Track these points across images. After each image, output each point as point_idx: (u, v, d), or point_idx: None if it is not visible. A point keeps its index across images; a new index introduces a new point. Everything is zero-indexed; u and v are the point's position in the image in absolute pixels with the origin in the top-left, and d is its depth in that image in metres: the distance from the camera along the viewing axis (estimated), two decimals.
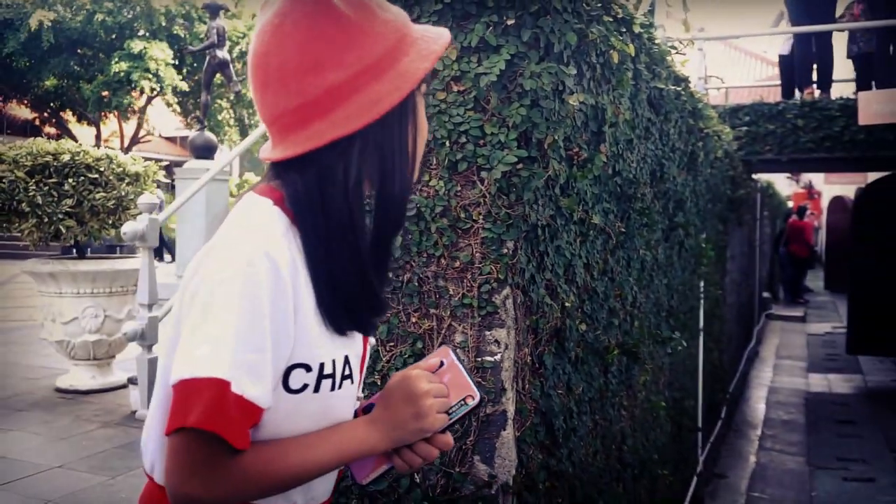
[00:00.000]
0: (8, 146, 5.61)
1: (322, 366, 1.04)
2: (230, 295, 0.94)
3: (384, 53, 1.01)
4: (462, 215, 1.80)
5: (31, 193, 5.37)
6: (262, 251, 0.96)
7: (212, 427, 0.90)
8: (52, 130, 25.66)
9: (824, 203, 20.07)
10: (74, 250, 6.05)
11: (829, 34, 7.52)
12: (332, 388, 1.05)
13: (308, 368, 1.02)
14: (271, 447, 1.01)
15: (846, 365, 9.51)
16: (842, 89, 8.16)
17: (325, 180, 1.01)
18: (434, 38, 1.05)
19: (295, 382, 1.02)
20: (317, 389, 1.04)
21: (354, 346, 1.11)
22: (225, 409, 0.91)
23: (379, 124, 1.00)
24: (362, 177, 1.02)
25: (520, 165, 1.77)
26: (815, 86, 7.66)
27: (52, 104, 25.70)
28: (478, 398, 1.10)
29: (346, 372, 1.08)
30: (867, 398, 8.05)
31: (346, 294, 1.04)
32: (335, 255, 1.02)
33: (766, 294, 13.98)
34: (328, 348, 1.05)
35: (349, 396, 1.11)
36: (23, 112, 26.96)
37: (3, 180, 5.32)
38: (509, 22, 1.74)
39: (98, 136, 25.92)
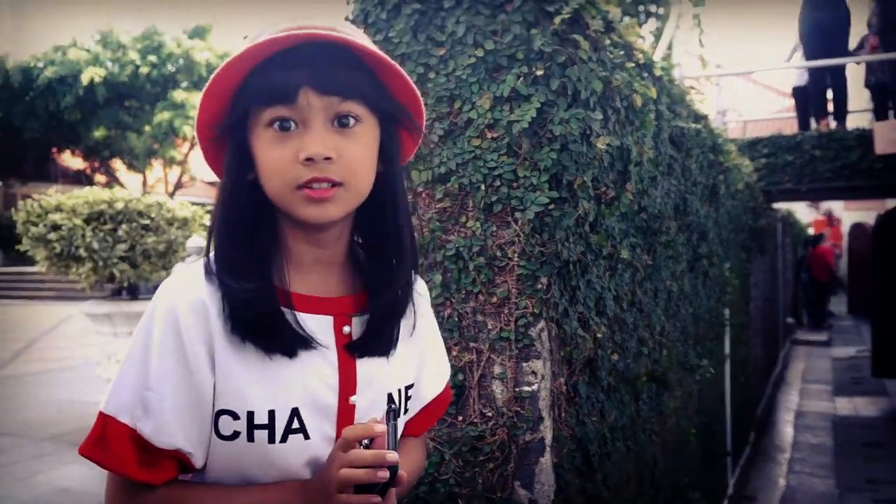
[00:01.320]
0: (66, 196, 5.77)
1: (251, 415, 0.98)
2: (131, 344, 0.98)
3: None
4: (498, 254, 1.83)
5: (87, 240, 5.50)
6: (166, 302, 0.97)
7: (89, 454, 0.95)
8: (102, 178, 26.18)
9: (845, 229, 19.80)
10: (125, 292, 6.18)
11: (843, 66, 7.50)
12: (272, 441, 0.99)
13: (235, 416, 0.98)
14: (190, 490, 1.00)
15: (872, 388, 9.32)
16: (856, 120, 8.11)
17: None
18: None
19: (224, 429, 0.98)
20: (250, 439, 0.99)
21: (314, 401, 1.03)
22: (108, 442, 0.94)
23: (225, 167, 1.02)
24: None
25: (551, 206, 1.80)
26: (830, 117, 7.63)
27: (102, 154, 26.22)
28: (387, 474, 0.97)
29: (295, 426, 1.00)
30: (894, 420, 7.88)
31: (230, 298, 0.98)
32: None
33: (790, 319, 13.77)
34: (262, 398, 0.98)
35: (304, 451, 1.02)
36: (75, 162, 27.54)
37: (62, 228, 5.47)
38: (538, 72, 1.78)
39: (144, 183, 26.39)
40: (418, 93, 1.05)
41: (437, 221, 1.89)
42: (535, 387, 1.82)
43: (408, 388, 1.17)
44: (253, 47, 0.92)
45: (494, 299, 1.84)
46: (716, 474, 4.49)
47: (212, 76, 0.96)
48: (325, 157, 0.93)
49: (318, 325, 1.02)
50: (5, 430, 6.04)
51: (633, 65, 2.22)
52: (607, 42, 2.00)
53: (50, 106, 24.19)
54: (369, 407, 1.08)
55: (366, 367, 1.07)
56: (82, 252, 5.53)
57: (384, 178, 1.05)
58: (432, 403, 1.26)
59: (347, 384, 1.05)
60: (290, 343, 0.99)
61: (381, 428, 0.96)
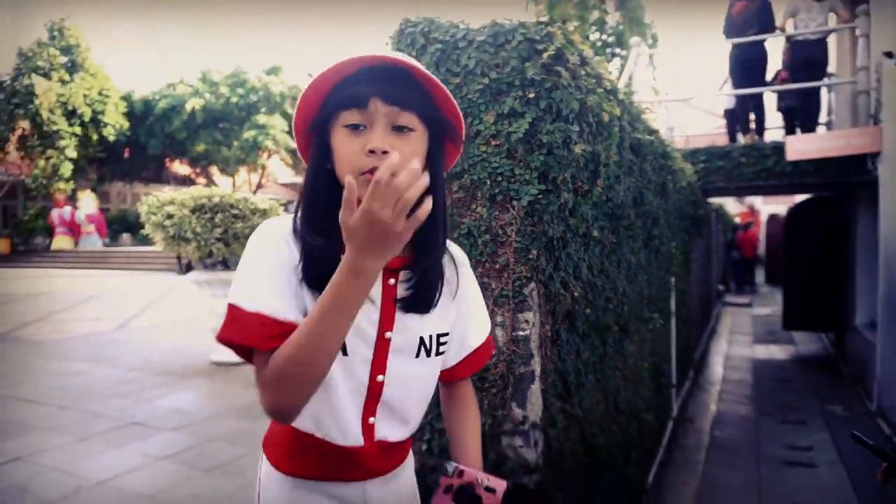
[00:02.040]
0: (177, 192, 5.81)
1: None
2: (244, 258, 0.98)
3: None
4: (500, 232, 1.83)
5: (193, 225, 5.54)
6: (265, 233, 0.99)
7: (227, 337, 0.93)
8: (203, 181, 26.37)
9: (763, 218, 19.57)
10: (221, 265, 6.24)
11: (761, 93, 7.39)
12: None
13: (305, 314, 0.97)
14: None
15: (782, 338, 9.26)
16: (772, 134, 7.99)
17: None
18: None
19: None
20: None
21: (357, 328, 1.01)
22: (235, 323, 0.92)
23: (310, 156, 1.02)
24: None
25: (540, 196, 1.79)
26: (753, 132, 7.52)
27: (202, 162, 26.42)
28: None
29: None
30: (799, 362, 7.83)
31: (311, 259, 0.97)
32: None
33: (720, 287, 13.67)
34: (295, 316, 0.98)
35: (344, 365, 1.01)
36: (183, 169, 27.77)
37: (174, 217, 5.51)
38: (530, 95, 1.78)
39: (234, 184, 26.53)
40: (460, 112, 1.03)
41: (454, 208, 1.90)
42: (527, 332, 1.83)
43: (440, 335, 1.11)
44: (341, 63, 0.94)
45: (497, 266, 1.84)
46: (664, 401, 4.49)
47: (307, 86, 0.97)
48: (384, 150, 0.92)
49: None
50: (134, 367, 6.14)
51: (602, 90, 2.19)
52: (582, 73, 1.98)
53: (164, 128, 24.40)
54: (402, 343, 1.05)
55: (404, 314, 1.05)
56: (189, 235, 5.57)
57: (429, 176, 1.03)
58: (479, 349, 1.21)
59: (386, 322, 1.04)
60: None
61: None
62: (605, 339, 2.54)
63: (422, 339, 1.08)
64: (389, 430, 1.09)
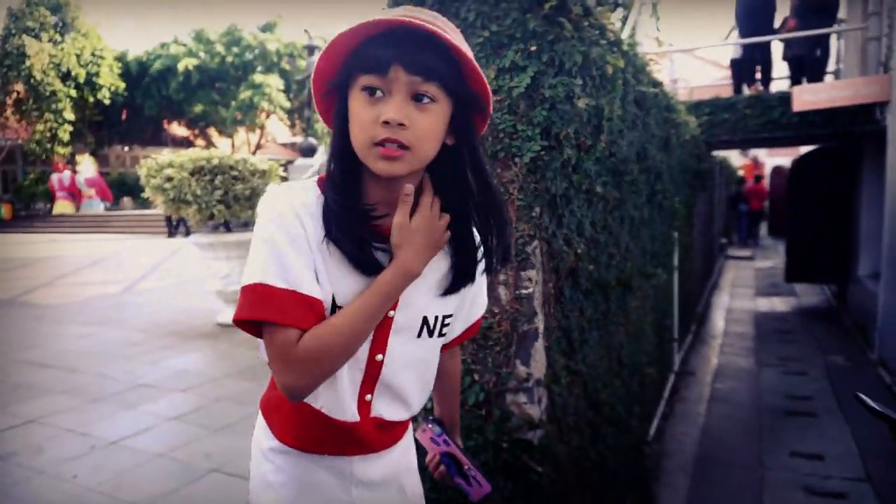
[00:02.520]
0: (175, 155, 5.75)
1: (334, 298, 0.94)
2: (257, 231, 0.93)
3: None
4: (502, 190, 1.81)
5: (193, 188, 5.51)
6: (278, 207, 0.93)
7: (248, 315, 0.89)
8: (201, 142, 26.16)
9: (766, 170, 19.40)
10: (222, 227, 6.23)
11: (769, 43, 7.21)
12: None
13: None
14: (329, 318, 0.93)
15: (784, 291, 9.28)
16: (778, 85, 7.84)
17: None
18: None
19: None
20: (332, 313, 0.94)
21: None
22: (268, 302, 0.88)
23: (335, 118, 0.97)
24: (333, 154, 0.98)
25: (543, 152, 1.76)
26: (759, 83, 7.37)
27: (200, 124, 26.15)
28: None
29: None
30: (801, 314, 7.87)
31: (339, 225, 0.94)
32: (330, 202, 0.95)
33: (723, 240, 13.65)
34: (325, 289, 0.94)
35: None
36: (181, 130, 27.49)
37: (174, 179, 5.47)
38: (532, 48, 1.72)
39: (233, 145, 26.32)
40: (487, 83, 0.96)
41: None
42: (530, 290, 1.82)
43: (445, 317, 1.07)
44: (364, 24, 0.88)
45: None
46: (665, 355, 4.53)
47: (330, 41, 0.91)
48: (399, 122, 0.88)
49: (382, 250, 0.97)
50: (141, 329, 6.20)
51: (605, 42, 2.13)
52: (586, 24, 1.92)
53: (161, 89, 24.08)
54: (404, 322, 1.02)
55: (409, 293, 0.99)
56: (189, 197, 5.54)
57: (454, 150, 0.98)
58: (475, 323, 1.21)
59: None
60: (359, 257, 0.95)
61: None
62: (608, 296, 2.53)
63: (425, 318, 1.04)
64: (386, 408, 1.07)
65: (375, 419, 1.06)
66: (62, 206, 21.41)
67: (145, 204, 16.72)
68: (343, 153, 0.95)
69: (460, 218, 1.01)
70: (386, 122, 0.88)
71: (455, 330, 1.17)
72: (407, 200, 0.93)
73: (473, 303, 1.17)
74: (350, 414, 1.02)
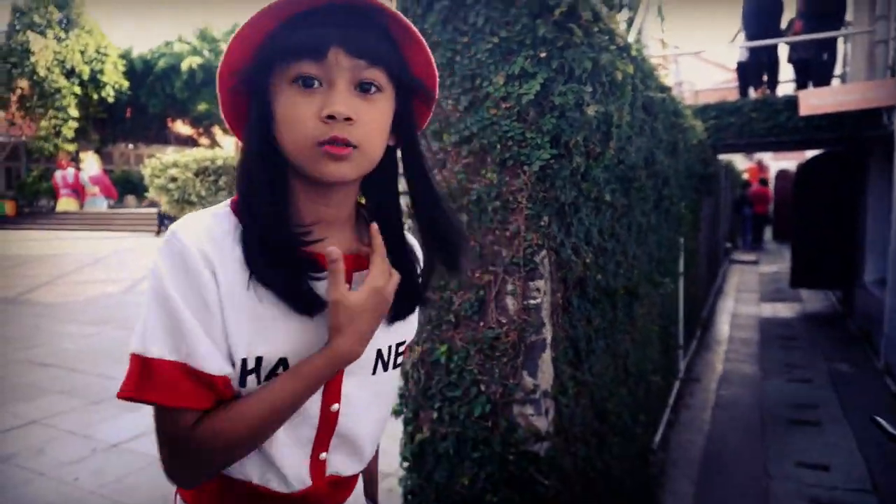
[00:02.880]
0: (180, 154, 5.75)
1: (244, 362, 0.76)
2: (149, 281, 0.75)
3: None
4: (510, 198, 1.78)
5: (197, 188, 5.51)
6: (173, 248, 0.74)
7: (138, 396, 0.72)
8: (206, 141, 26.16)
9: (771, 174, 19.35)
10: None
11: (776, 46, 7.17)
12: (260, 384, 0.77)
13: (232, 364, 0.75)
14: (237, 400, 0.76)
15: (789, 296, 9.24)
16: (785, 88, 7.80)
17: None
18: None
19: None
20: (242, 384, 0.76)
21: (305, 350, 0.78)
22: (159, 379, 0.71)
23: (251, 119, 0.80)
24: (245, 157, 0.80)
25: (552, 160, 1.73)
26: (765, 86, 7.34)
27: (204, 122, 26.17)
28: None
29: (280, 373, 0.77)
30: (806, 320, 7.83)
31: (266, 259, 0.76)
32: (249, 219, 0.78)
33: (728, 244, 13.61)
34: (252, 344, 0.76)
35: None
36: (185, 129, 27.51)
37: (178, 179, 5.47)
38: (542, 55, 1.70)
39: (236, 144, 26.32)
40: (434, 63, 0.82)
41: (462, 174, 1.84)
42: (538, 300, 1.80)
43: (398, 345, 0.91)
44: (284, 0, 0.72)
45: (508, 233, 1.80)
46: (671, 362, 4.50)
47: (243, 24, 0.74)
48: (347, 117, 0.73)
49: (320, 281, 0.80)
50: None
51: (614, 47, 2.10)
52: (595, 29, 1.89)
53: (165, 87, 24.08)
54: (358, 362, 0.82)
55: None
56: (193, 198, 5.56)
57: (392, 150, 0.85)
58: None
59: None
60: (298, 296, 0.77)
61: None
62: (615, 304, 2.51)
63: (379, 351, 0.87)
64: (344, 462, 0.88)
65: (330, 478, 0.87)
66: (66, 203, 21.42)
67: (150, 202, 16.74)
68: (264, 163, 0.78)
69: (397, 232, 0.87)
70: (331, 117, 0.73)
71: None
72: (337, 269, 0.74)
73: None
74: (300, 481, 0.83)
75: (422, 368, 1.95)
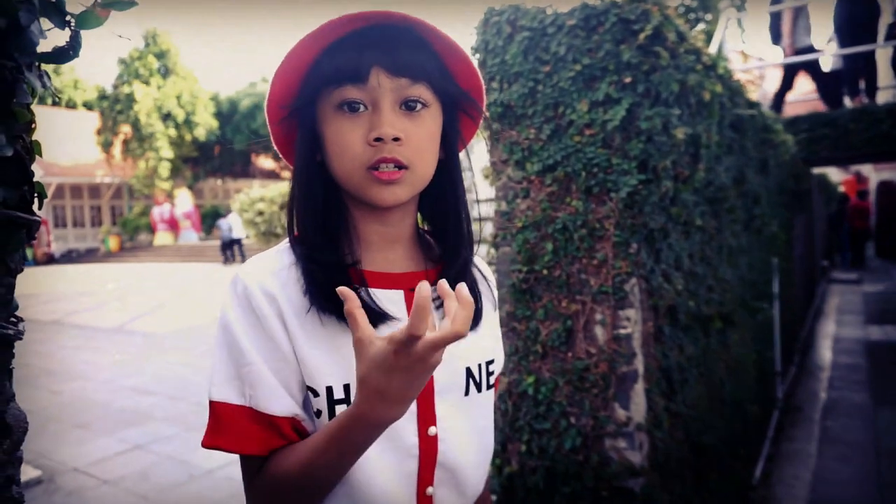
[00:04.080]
0: (266, 189, 6.03)
1: (329, 390, 0.73)
2: (217, 335, 0.75)
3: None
4: (597, 226, 1.75)
5: (282, 221, 5.75)
6: (237, 290, 0.74)
7: (212, 444, 0.73)
8: (288, 175, 27.36)
9: (871, 186, 18.05)
10: None
11: (873, 52, 6.75)
12: None
13: (315, 393, 0.74)
14: (291, 448, 0.73)
15: None
16: (884, 95, 7.30)
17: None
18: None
19: (308, 405, 0.75)
20: (332, 415, 0.73)
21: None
22: (227, 426, 0.71)
23: (297, 149, 0.79)
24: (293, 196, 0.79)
25: (640, 186, 1.70)
26: (863, 94, 6.90)
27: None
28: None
29: None
30: None
31: (311, 276, 0.75)
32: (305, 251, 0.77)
33: (825, 262, 12.76)
34: (338, 373, 0.74)
35: (388, 430, 0.73)
36: (268, 163, 28.92)
37: (265, 213, 5.73)
38: (627, 80, 1.67)
39: None
40: (481, 77, 0.81)
41: (547, 202, 1.83)
42: (629, 330, 1.74)
43: (489, 363, 0.86)
44: (327, 24, 0.71)
45: (595, 262, 1.77)
46: (769, 390, 4.23)
47: (285, 55, 0.73)
48: (394, 137, 0.72)
49: (390, 300, 0.78)
50: None
51: (701, 67, 2.05)
52: (681, 50, 1.85)
53: (249, 125, 25.45)
54: (446, 380, 0.79)
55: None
56: (279, 230, 5.79)
57: (445, 165, 0.82)
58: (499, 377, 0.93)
59: None
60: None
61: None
62: (707, 331, 2.40)
63: (469, 369, 0.82)
64: (450, 498, 0.82)
65: None
66: (162, 237, 23.02)
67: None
68: (317, 191, 0.78)
69: (452, 240, 0.85)
70: (378, 139, 0.72)
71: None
72: (351, 309, 0.62)
73: (498, 341, 0.93)
74: None
75: (509, 400, 1.93)
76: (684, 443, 2.12)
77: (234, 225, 16.09)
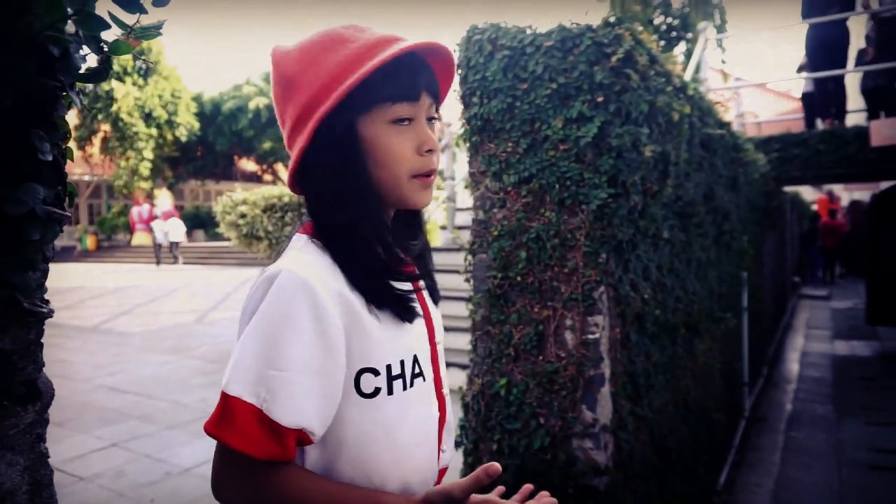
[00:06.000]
0: (249, 193, 6.06)
1: (389, 367, 0.80)
2: (255, 327, 0.75)
3: (321, 88, 0.80)
4: (569, 236, 1.85)
5: (264, 224, 5.77)
6: (293, 282, 0.75)
7: (215, 432, 0.74)
8: (269, 178, 27.23)
9: (843, 205, 18.51)
10: None
11: (843, 77, 7.00)
12: (405, 388, 0.82)
13: (375, 372, 0.79)
14: (310, 477, 0.78)
15: (866, 333, 8.76)
16: (854, 119, 7.56)
17: (317, 199, 0.84)
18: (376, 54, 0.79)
19: (366, 387, 0.79)
20: (390, 391, 0.80)
21: (422, 347, 0.87)
22: (234, 421, 0.73)
23: (319, 148, 0.81)
24: (325, 193, 0.82)
25: (610, 200, 1.79)
26: (833, 117, 7.14)
27: (269, 159, 27.27)
28: None
29: (416, 371, 0.84)
30: (885, 359, 7.40)
31: (366, 274, 0.81)
32: (346, 247, 0.81)
33: (796, 278, 13.06)
34: (392, 352, 0.81)
35: (424, 394, 0.86)
36: (250, 166, 28.76)
37: (247, 216, 5.76)
38: (599, 99, 1.78)
39: None
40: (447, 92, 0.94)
41: (522, 212, 1.92)
42: (597, 335, 1.84)
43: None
44: (396, 52, 0.78)
45: (566, 270, 1.86)
46: (735, 400, 4.37)
47: (358, 72, 0.77)
48: (434, 149, 0.85)
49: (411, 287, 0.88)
50: (214, 360, 6.45)
51: (671, 88, 2.17)
52: (652, 72, 1.97)
53: (232, 127, 25.33)
54: (440, 353, 0.93)
55: (434, 314, 0.92)
56: (261, 233, 5.81)
57: None
58: None
59: (431, 329, 0.90)
60: (410, 308, 0.84)
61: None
62: (674, 339, 2.51)
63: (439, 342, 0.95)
64: (447, 455, 0.93)
65: (441, 471, 0.92)
66: (140, 237, 22.74)
67: (216, 236, 17.52)
68: (364, 193, 0.82)
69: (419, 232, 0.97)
70: (430, 150, 0.84)
71: None
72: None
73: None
74: (428, 486, 0.86)
75: (482, 400, 2.02)
76: (649, 445, 2.22)
77: (172, 230, 17.16)
